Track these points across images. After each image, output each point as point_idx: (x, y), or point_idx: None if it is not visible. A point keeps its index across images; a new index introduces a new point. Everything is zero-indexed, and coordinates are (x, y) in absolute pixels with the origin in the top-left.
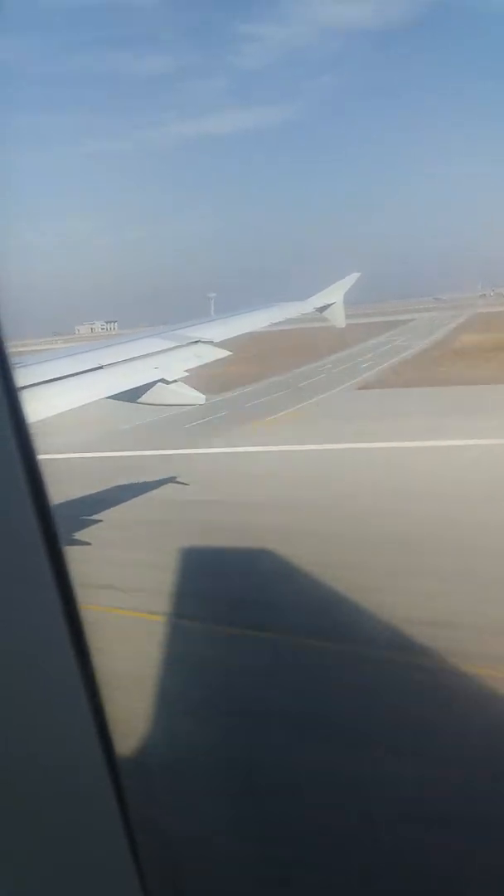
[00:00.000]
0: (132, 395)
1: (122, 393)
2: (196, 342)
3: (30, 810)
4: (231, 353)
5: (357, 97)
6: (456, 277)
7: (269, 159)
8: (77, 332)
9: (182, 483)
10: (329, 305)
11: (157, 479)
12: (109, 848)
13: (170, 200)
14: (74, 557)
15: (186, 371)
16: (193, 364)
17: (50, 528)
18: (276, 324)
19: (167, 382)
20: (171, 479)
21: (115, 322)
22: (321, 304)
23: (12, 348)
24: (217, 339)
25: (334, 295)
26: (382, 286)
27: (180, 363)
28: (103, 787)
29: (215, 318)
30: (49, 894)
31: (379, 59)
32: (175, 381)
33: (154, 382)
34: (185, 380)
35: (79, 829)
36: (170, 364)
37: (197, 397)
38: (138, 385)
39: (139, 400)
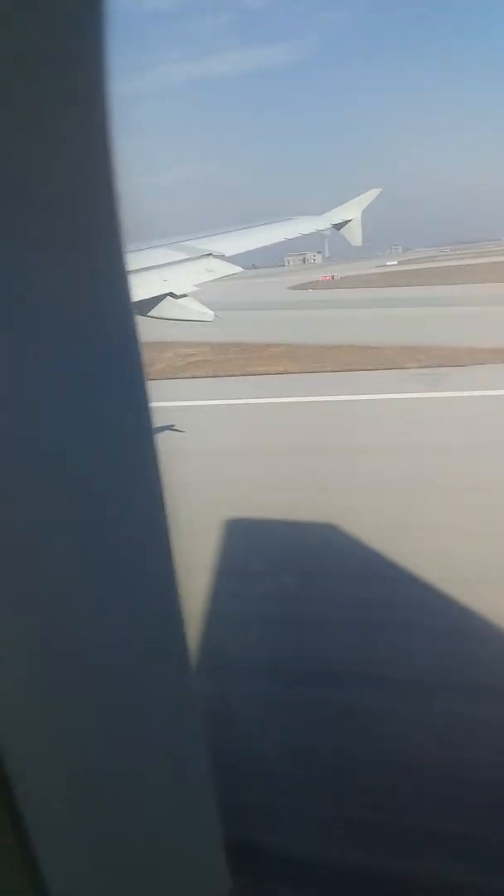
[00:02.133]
0: (141, 309)
1: (133, 300)
2: (207, 255)
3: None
4: (243, 269)
5: (367, 34)
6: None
7: (277, 99)
8: (288, 264)
9: None
10: (346, 222)
11: None
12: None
13: (175, 144)
14: None
15: (196, 286)
16: (204, 278)
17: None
18: (290, 239)
19: (175, 297)
20: None
21: (320, 253)
22: (338, 221)
23: None
24: (229, 254)
25: (352, 211)
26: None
27: (190, 277)
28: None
29: (228, 230)
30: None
31: None
32: (184, 295)
33: (163, 296)
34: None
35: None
36: (179, 277)
37: (205, 314)
38: (146, 298)
39: (148, 314)
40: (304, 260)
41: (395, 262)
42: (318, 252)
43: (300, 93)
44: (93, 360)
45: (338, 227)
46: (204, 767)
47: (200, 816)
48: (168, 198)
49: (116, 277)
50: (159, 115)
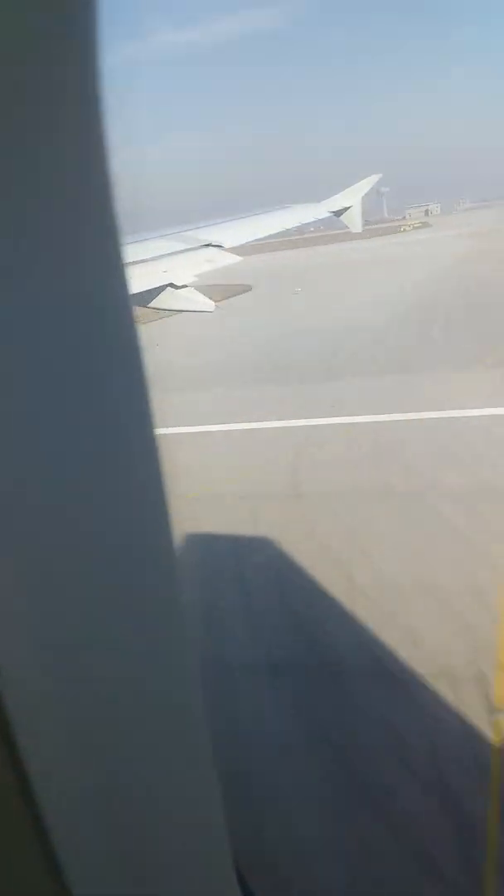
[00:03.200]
0: (142, 300)
1: (131, 296)
2: (206, 245)
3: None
4: (242, 259)
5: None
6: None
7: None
8: (409, 216)
9: None
10: (346, 209)
11: None
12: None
13: (164, 117)
14: None
15: (196, 276)
16: (204, 269)
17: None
18: (289, 230)
19: (176, 287)
20: None
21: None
22: (337, 208)
23: None
24: (227, 244)
25: (351, 198)
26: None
27: (190, 267)
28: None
29: (224, 220)
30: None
31: None
32: (184, 286)
33: (163, 287)
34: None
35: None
36: (179, 268)
37: (207, 304)
38: (147, 288)
39: (149, 305)
40: (426, 212)
41: None
42: (437, 203)
43: (295, 57)
44: (91, 359)
45: (337, 213)
46: (209, 770)
47: (207, 820)
48: (163, 174)
49: (114, 271)
50: (152, 86)
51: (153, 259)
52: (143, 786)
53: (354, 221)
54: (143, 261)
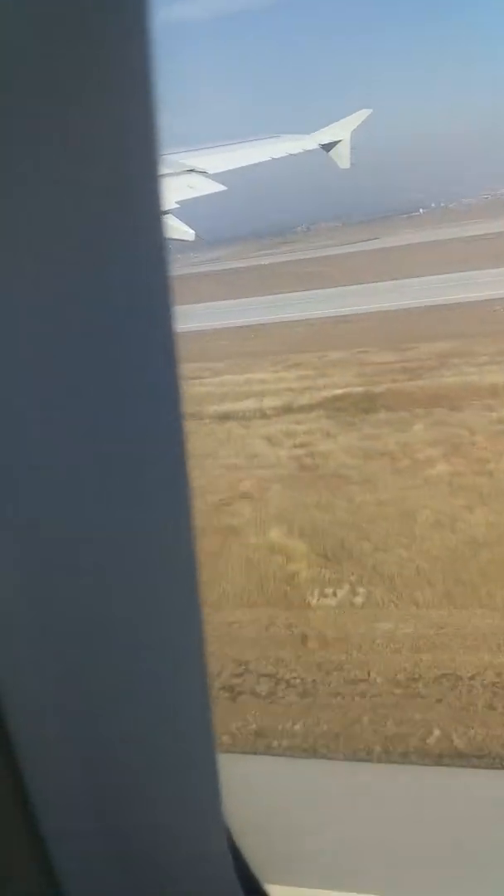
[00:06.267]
0: None
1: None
2: (190, 171)
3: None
4: (226, 188)
5: None
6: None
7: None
8: None
9: None
10: (335, 143)
11: None
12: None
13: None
14: None
15: (177, 203)
16: (185, 195)
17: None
18: (276, 159)
19: None
20: None
21: None
22: (327, 141)
23: None
24: (212, 171)
25: (341, 131)
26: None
27: (171, 193)
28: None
29: (211, 145)
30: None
31: None
32: (165, 212)
33: None
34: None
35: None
36: None
37: (187, 232)
38: None
39: None
40: None
41: None
42: None
43: (280, 33)
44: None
45: (326, 147)
46: (212, 762)
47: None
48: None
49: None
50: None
51: None
52: (141, 789)
53: (343, 156)
54: None
